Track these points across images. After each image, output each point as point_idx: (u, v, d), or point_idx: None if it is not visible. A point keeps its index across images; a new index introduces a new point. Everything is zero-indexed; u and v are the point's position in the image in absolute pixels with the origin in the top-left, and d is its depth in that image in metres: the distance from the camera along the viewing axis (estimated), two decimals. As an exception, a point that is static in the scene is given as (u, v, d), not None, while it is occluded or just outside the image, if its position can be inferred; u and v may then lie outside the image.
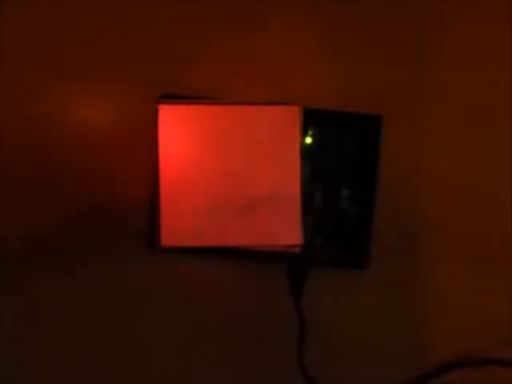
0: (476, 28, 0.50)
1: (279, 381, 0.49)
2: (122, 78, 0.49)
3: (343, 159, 0.49)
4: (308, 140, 0.48)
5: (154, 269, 0.49)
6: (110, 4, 0.50)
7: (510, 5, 0.50)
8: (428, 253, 0.50)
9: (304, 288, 0.47)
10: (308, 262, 0.48)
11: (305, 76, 0.50)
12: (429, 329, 0.50)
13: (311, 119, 0.46)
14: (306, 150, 0.46)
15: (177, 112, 0.42)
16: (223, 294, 0.49)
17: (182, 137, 0.42)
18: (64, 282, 0.49)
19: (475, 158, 0.50)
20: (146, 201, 0.48)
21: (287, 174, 0.42)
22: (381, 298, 0.50)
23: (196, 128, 0.42)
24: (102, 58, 0.50)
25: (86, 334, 0.50)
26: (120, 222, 0.49)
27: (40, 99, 0.49)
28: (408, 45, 0.50)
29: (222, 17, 0.50)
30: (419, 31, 0.50)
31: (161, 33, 0.50)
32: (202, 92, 0.48)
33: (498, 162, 0.50)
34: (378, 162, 0.48)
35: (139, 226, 0.48)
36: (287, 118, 0.43)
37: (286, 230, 0.43)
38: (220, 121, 0.42)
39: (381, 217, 0.49)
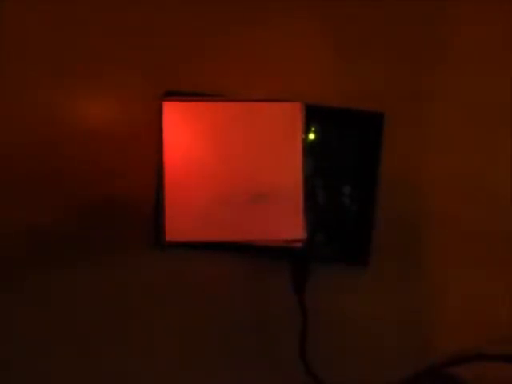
0: (478, 28, 0.50)
1: (282, 377, 0.49)
2: (125, 76, 0.50)
3: (345, 156, 0.49)
4: (311, 137, 0.48)
5: (159, 267, 0.49)
6: (112, 3, 0.50)
7: (510, 5, 0.50)
8: (429, 250, 0.50)
9: (305, 285, 0.47)
10: (309, 259, 0.48)
11: (308, 74, 0.50)
12: (430, 326, 0.50)
13: (314, 116, 0.46)
14: (308, 147, 0.46)
15: (181, 109, 0.43)
16: (226, 290, 0.49)
17: (185, 134, 0.42)
18: (64, 282, 0.49)
19: (477, 156, 0.50)
20: (151, 198, 0.47)
21: (290, 170, 0.43)
22: (382, 294, 0.50)
23: (200, 125, 0.43)
24: (103, 57, 0.50)
25: (86, 333, 0.50)
26: (125, 219, 0.49)
27: (41, 99, 0.50)
28: (410, 43, 0.50)
29: (224, 16, 0.50)
30: (422, 30, 0.50)
31: (164, 32, 0.50)
32: (206, 89, 0.48)
33: (500, 161, 0.50)
34: (379, 159, 0.48)
35: (144, 223, 0.48)
36: (290, 114, 0.43)
37: (288, 225, 0.43)
38: (223, 118, 0.43)
39: (382, 214, 0.49)
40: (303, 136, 0.43)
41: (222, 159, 0.42)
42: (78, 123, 0.50)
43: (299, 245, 0.43)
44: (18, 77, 0.50)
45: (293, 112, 0.43)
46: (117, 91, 0.50)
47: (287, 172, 0.43)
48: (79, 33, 0.50)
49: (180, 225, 0.42)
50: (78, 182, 0.49)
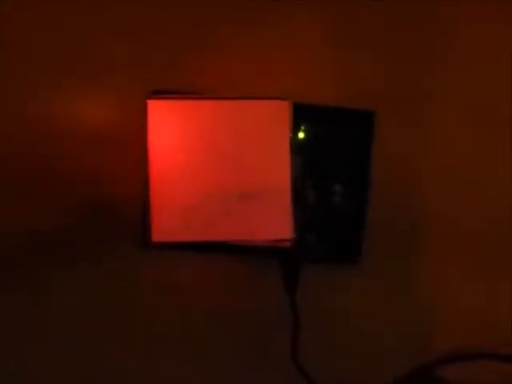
0: (476, 28, 0.50)
1: (274, 378, 0.49)
2: (125, 76, 0.50)
3: (336, 155, 0.48)
4: (301, 135, 0.48)
5: (149, 267, 0.49)
6: (108, 4, 0.50)
7: (510, 5, 0.50)
8: (422, 250, 0.50)
9: (297, 285, 0.47)
10: (300, 259, 0.47)
11: (307, 74, 0.50)
12: (423, 326, 0.50)
13: (304, 115, 0.46)
14: (298, 146, 0.46)
15: (166, 107, 0.42)
16: (216, 290, 0.49)
17: (171, 132, 0.42)
18: (64, 282, 0.49)
19: (470, 156, 0.50)
20: (139, 198, 0.47)
21: (277, 168, 0.42)
22: (374, 294, 0.50)
23: (185, 123, 0.42)
24: (103, 58, 0.50)
25: (86, 333, 0.50)
26: (115, 220, 0.49)
27: (40, 99, 0.50)
28: (410, 43, 0.50)
29: (218, 16, 0.50)
30: (422, 30, 0.50)
31: (163, 32, 0.50)
32: (206, 90, 0.48)
33: (500, 161, 0.50)
34: (371, 157, 0.48)
35: (134, 224, 0.48)
36: (276, 112, 0.42)
37: (276, 224, 0.42)
38: (209, 116, 0.42)
39: (380, 214, 0.49)
40: (290, 134, 0.43)
41: (208, 158, 0.42)
42: (78, 123, 0.50)
43: (287, 244, 0.43)
44: (18, 77, 0.50)
45: (279, 110, 0.42)
46: (117, 91, 0.50)
47: (275, 171, 0.42)
48: (79, 33, 0.50)
49: (167, 225, 0.42)
50: (72, 182, 0.49)
